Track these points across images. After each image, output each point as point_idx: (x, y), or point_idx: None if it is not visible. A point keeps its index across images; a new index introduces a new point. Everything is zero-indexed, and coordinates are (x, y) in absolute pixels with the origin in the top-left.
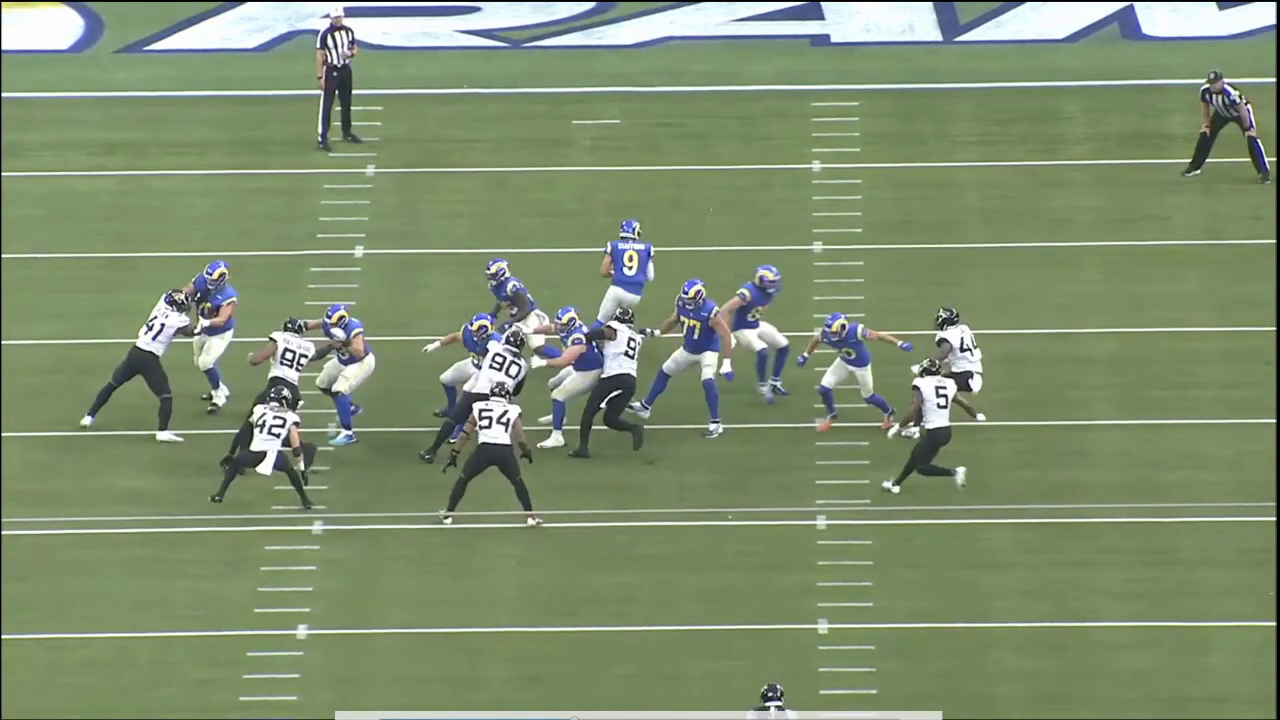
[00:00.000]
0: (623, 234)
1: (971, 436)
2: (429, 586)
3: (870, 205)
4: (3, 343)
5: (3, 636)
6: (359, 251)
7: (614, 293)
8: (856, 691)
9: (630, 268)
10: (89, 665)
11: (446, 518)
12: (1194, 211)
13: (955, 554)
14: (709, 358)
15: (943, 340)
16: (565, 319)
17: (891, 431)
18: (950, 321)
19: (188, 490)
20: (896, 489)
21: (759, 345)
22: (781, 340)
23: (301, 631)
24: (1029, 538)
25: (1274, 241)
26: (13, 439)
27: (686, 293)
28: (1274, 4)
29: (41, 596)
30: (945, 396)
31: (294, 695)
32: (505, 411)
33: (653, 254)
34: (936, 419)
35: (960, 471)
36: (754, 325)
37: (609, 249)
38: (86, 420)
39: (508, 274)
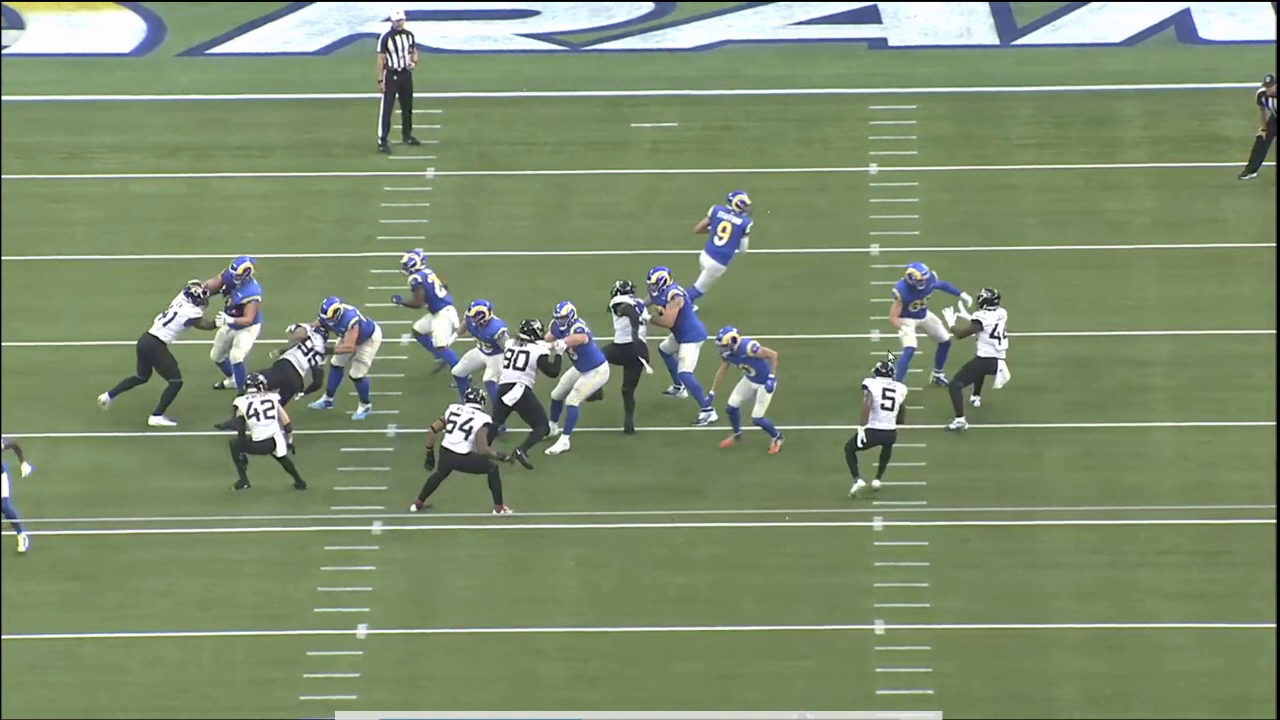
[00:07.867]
0: (727, 203)
1: (1030, 438)
2: (488, 586)
3: (927, 208)
4: (66, 344)
5: (46, 636)
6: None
7: (703, 259)
8: (913, 692)
9: (721, 238)
10: (151, 664)
11: (413, 508)
12: (1250, 214)
13: (1012, 555)
14: (685, 350)
15: (976, 320)
16: (564, 311)
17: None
18: (990, 303)
19: (249, 491)
20: (877, 483)
21: (911, 340)
22: (944, 334)
23: (361, 631)
24: (1087, 539)
25: None
26: (75, 439)
27: (650, 278)
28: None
29: (105, 596)
30: (892, 399)
31: (354, 694)
32: (470, 419)
33: (748, 230)
34: (880, 420)
35: (861, 483)
36: (919, 315)
37: (711, 212)
38: (104, 398)
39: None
